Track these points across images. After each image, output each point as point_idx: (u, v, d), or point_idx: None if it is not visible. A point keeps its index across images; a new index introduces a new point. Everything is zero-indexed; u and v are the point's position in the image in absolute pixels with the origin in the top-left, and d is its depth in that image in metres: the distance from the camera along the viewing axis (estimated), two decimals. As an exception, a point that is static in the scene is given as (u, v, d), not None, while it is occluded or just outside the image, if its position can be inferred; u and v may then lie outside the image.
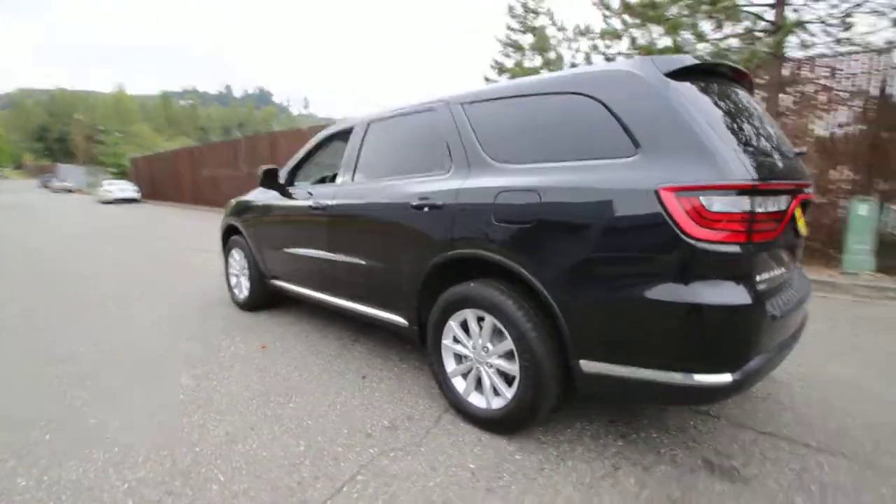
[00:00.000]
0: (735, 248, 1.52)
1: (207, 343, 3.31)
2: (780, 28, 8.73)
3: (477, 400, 2.15)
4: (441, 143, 2.37)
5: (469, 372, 2.19)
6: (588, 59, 10.28)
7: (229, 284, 4.33)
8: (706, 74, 1.82)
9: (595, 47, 10.41)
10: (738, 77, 2.00)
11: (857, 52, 6.45)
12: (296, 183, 3.55)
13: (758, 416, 2.26)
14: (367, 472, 1.84)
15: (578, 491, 1.72)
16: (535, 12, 14.05)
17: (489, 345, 2.07)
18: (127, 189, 22.54)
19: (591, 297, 1.71)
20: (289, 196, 3.44)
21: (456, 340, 2.24)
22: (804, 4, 8.94)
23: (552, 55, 13.41)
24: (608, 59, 10.15)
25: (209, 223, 12.89)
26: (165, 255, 7.32)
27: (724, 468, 1.85)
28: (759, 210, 1.52)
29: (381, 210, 2.54)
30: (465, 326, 2.19)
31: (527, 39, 14.31)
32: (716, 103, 1.74)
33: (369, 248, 2.65)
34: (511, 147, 2.05)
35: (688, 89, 1.69)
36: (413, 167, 2.52)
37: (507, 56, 14.83)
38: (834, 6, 8.93)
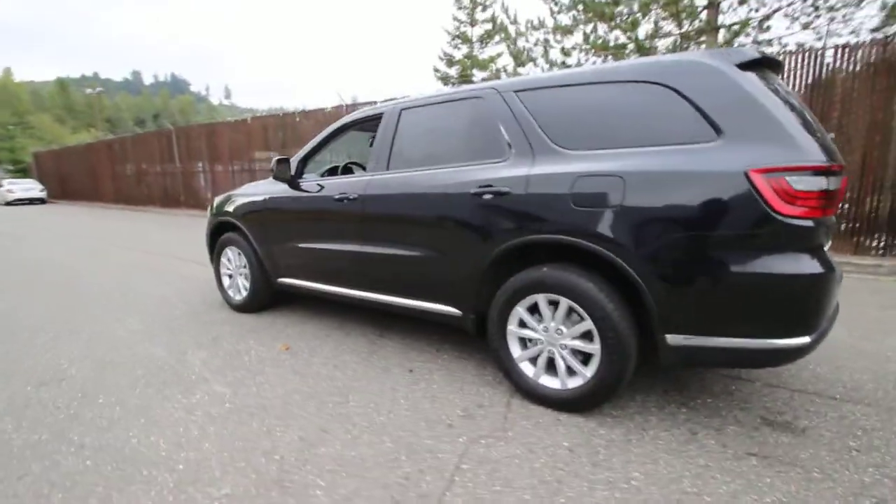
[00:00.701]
0: (811, 223, 1.70)
1: (220, 348, 3.07)
2: (712, 28, 9.59)
3: (549, 382, 2.22)
4: (493, 131, 2.38)
5: (538, 355, 2.25)
6: (546, 53, 10.64)
7: (221, 286, 4.03)
8: (761, 65, 1.99)
9: (547, 41, 10.79)
10: (777, 68, 2.20)
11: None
12: (305, 175, 3.39)
13: (782, 376, 2.54)
14: (469, 460, 1.84)
15: (672, 456, 1.84)
16: (483, 5, 14.25)
17: (562, 327, 2.14)
18: (32, 188, 19.96)
19: (682, 275, 1.83)
20: (300, 188, 3.26)
21: (522, 325, 2.28)
22: (731, 7, 9.89)
23: (502, 47, 13.69)
24: (566, 52, 10.58)
25: (142, 223, 11.82)
26: (124, 259, 6.62)
27: (780, 423, 2.07)
28: (830, 188, 1.71)
29: (432, 199, 2.50)
30: (531, 311, 2.24)
31: (476, 32, 14.49)
32: (776, 92, 1.91)
33: (415, 238, 2.60)
34: (580, 134, 2.12)
35: (756, 80, 1.85)
36: (461, 155, 2.51)
37: (457, 48, 14.92)
38: (755, 10, 9.96)
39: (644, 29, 9.18)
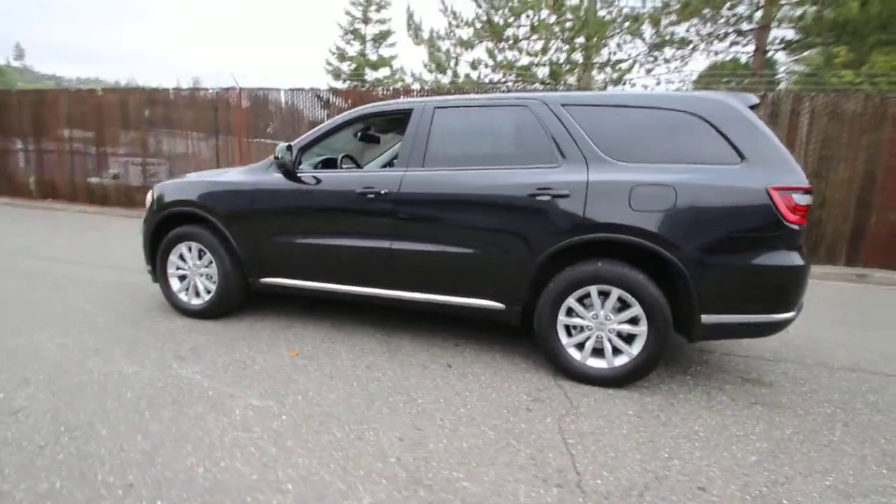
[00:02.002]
0: (801, 228, 2.33)
1: (212, 360, 2.66)
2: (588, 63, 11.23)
3: (595, 363, 2.52)
4: (542, 138, 2.60)
5: (586, 340, 2.54)
6: (454, 62, 11.10)
7: (168, 289, 3.40)
8: (757, 107, 2.59)
9: (448, 52, 11.32)
10: (756, 109, 2.83)
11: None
12: (302, 164, 3.13)
13: (731, 346, 3.28)
14: (570, 435, 2.03)
15: (708, 411, 2.31)
16: (379, 5, 14.18)
17: (611, 314, 2.47)
18: None
19: (717, 267, 2.31)
20: (300, 180, 3.00)
21: (570, 314, 2.54)
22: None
23: (396, 50, 13.85)
24: (474, 66, 11.19)
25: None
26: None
27: (755, 380, 2.72)
28: (809, 203, 2.37)
29: (484, 198, 2.60)
30: (579, 301, 2.52)
31: (370, 31, 14.35)
32: (769, 127, 2.53)
33: (463, 236, 2.66)
34: (626, 148, 2.48)
35: (759, 118, 2.44)
36: (508, 158, 2.68)
37: (349, 44, 14.54)
38: (614, 53, 11.94)
39: (550, 55, 10.40)
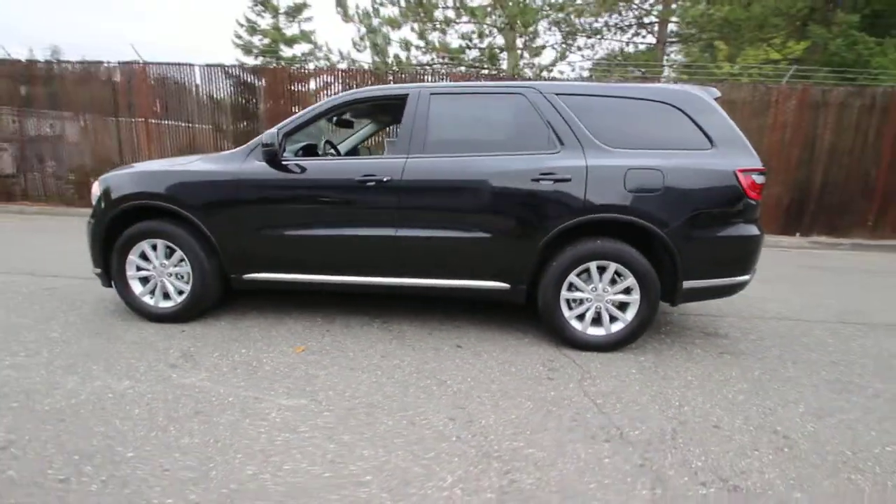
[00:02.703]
0: (756, 204, 2.75)
1: (218, 366, 2.47)
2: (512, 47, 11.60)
3: (594, 331, 2.78)
4: (540, 126, 2.75)
5: (586, 312, 2.78)
6: (379, 44, 10.66)
7: (128, 293, 3.03)
8: (719, 99, 2.96)
9: (383, 33, 10.92)
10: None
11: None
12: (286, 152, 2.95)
13: (686, 308, 3.77)
14: (596, 396, 2.26)
15: (693, 363, 2.68)
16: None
17: (608, 286, 2.73)
18: None
19: (697, 238, 2.65)
20: (286, 169, 2.84)
21: (571, 289, 2.76)
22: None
23: (313, 25, 13.03)
24: (407, 46, 10.91)
25: None
26: None
27: (716, 334, 3.19)
28: (762, 182, 2.80)
29: (490, 184, 2.69)
30: (578, 277, 2.75)
31: (283, 2, 13.29)
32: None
33: (470, 221, 2.73)
34: (617, 135, 2.71)
35: (722, 109, 2.81)
36: (508, 144, 2.79)
37: (260, 15, 13.33)
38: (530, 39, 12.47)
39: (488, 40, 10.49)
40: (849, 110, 7.49)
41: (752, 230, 2.73)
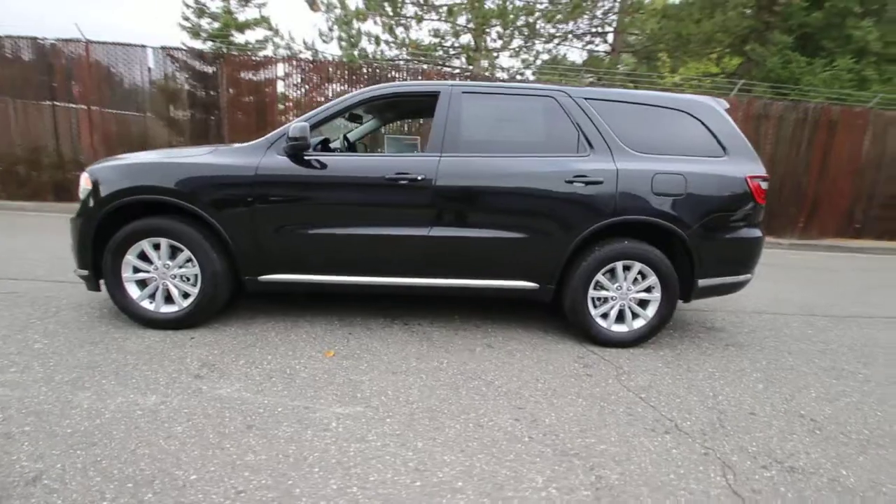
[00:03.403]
0: (762, 207, 2.99)
1: (249, 375, 2.30)
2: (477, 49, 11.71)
3: (618, 328, 2.90)
4: (570, 129, 2.82)
5: (610, 310, 2.88)
6: (351, 36, 10.27)
7: (126, 298, 2.73)
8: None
9: (340, 20, 10.53)
10: None
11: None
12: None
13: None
14: (637, 390, 2.36)
15: (706, 356, 2.87)
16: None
17: (632, 285, 2.85)
18: None
19: (711, 239, 2.83)
20: (309, 164, 2.69)
21: (597, 288, 2.86)
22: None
23: (266, 12, 12.35)
24: (377, 40, 10.58)
25: None
26: None
27: (717, 328, 3.44)
28: (766, 188, 3.04)
29: (526, 185, 2.71)
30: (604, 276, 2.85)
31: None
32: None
33: (505, 221, 2.75)
34: (641, 140, 2.83)
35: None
36: (540, 146, 2.83)
37: (209, -2, 12.40)
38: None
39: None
40: (785, 123, 8.32)
41: (758, 232, 2.97)
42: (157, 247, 2.72)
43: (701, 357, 2.87)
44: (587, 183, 2.73)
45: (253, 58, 8.36)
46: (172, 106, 7.76)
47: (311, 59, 8.07)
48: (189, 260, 2.74)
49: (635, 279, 2.86)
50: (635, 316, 2.91)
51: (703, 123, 2.90)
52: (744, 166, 2.87)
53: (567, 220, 2.76)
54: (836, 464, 1.87)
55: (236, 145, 2.87)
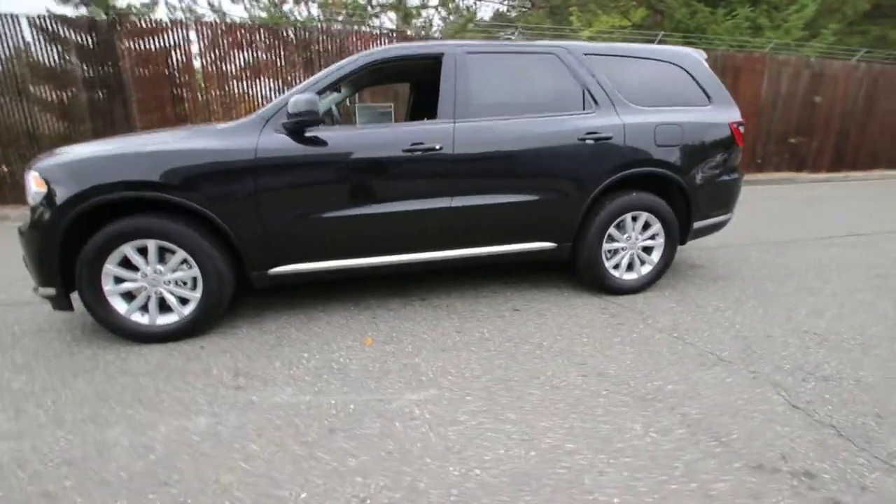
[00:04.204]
0: (740, 150, 3.25)
1: (295, 377, 2.12)
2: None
3: (629, 276, 3.06)
4: (574, 86, 2.82)
5: (621, 260, 3.03)
6: None
7: (112, 314, 2.34)
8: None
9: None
10: None
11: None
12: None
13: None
14: (670, 331, 2.53)
15: (712, 291, 3.15)
16: None
17: (639, 235, 3.01)
18: None
19: (704, 184, 3.04)
20: (313, 142, 2.44)
21: (609, 240, 2.97)
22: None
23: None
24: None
25: None
26: None
27: (703, 265, 3.76)
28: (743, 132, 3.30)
29: (542, 146, 2.69)
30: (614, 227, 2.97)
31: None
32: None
33: (523, 184, 2.71)
34: (638, 93, 2.92)
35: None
36: (548, 105, 2.79)
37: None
38: None
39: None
40: (699, 72, 9.04)
41: (737, 174, 3.25)
42: (142, 251, 2.35)
43: (701, 293, 3.14)
44: (597, 140, 2.77)
45: (158, 23, 7.22)
46: (55, 87, 6.53)
47: (227, 22, 7.15)
48: (184, 261, 2.40)
49: (643, 228, 3.02)
50: (642, 263, 3.09)
51: (689, 74, 3.04)
52: (726, 113, 3.09)
53: (581, 177, 2.80)
54: (853, 368, 2.17)
55: (220, 126, 2.50)
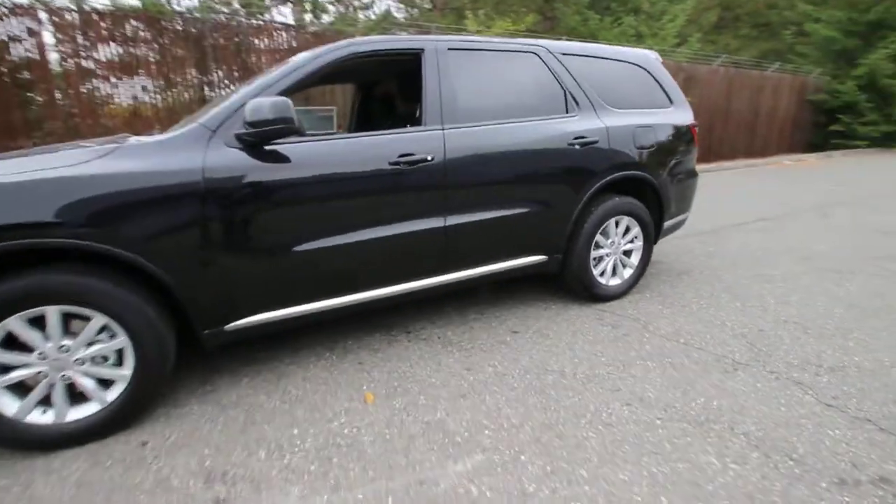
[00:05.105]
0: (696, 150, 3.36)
1: (296, 470, 1.62)
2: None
3: (614, 282, 2.99)
4: (555, 87, 2.65)
5: (606, 267, 2.94)
6: None
7: (-9, 419, 1.60)
8: None
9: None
10: None
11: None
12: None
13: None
14: (674, 337, 2.48)
15: (669, 304, 3.21)
16: None
17: (621, 239, 2.95)
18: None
19: (673, 183, 3.08)
20: (275, 157, 1.92)
21: (596, 247, 2.86)
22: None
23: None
24: None
25: None
26: None
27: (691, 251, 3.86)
28: (692, 132, 3.42)
29: (533, 153, 2.47)
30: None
31: None
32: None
33: (518, 195, 2.47)
34: (612, 95, 2.83)
35: (662, 70, 3.25)
36: (532, 108, 2.58)
37: None
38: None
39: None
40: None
41: (696, 173, 3.36)
42: (36, 321, 1.64)
43: (676, 290, 3.19)
44: (584, 144, 2.63)
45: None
46: None
47: (91, 8, 5.81)
48: (103, 329, 1.73)
49: (624, 232, 2.97)
50: (624, 266, 3.05)
51: (651, 75, 3.06)
52: (686, 115, 3.17)
53: (572, 184, 2.65)
54: (847, 354, 2.30)
55: (148, 139, 1.85)
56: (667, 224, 3.20)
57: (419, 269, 2.33)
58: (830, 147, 14.03)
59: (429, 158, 2.18)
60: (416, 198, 2.21)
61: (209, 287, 1.87)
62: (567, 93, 2.69)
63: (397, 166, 2.13)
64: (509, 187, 2.48)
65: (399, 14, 13.34)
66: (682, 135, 3.12)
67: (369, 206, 2.13)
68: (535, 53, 2.63)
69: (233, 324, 1.98)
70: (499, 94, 2.53)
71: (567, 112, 2.68)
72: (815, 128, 14.61)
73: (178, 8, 8.08)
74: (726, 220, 5.40)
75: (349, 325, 2.68)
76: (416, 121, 2.34)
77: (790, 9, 18.55)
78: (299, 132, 1.87)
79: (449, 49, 2.37)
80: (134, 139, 1.90)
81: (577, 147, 2.61)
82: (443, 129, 2.26)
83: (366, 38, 2.27)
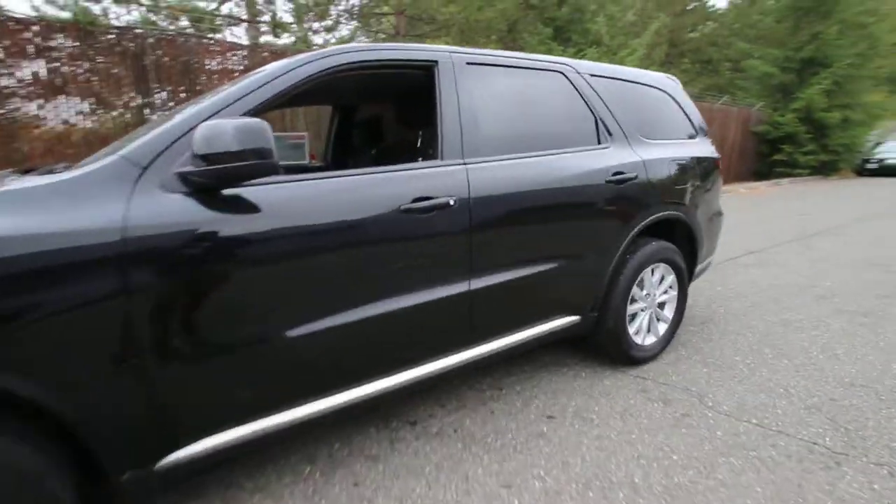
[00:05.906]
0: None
1: None
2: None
3: (649, 341, 2.52)
4: (585, 112, 2.22)
5: (641, 324, 2.48)
6: None
7: None
8: None
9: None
10: None
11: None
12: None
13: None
14: (745, 413, 2.03)
15: (721, 337, 2.81)
16: None
17: (656, 290, 2.51)
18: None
19: (704, 224, 2.70)
20: (238, 206, 1.32)
21: (632, 301, 2.40)
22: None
23: None
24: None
25: None
26: None
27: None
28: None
29: (572, 192, 1.99)
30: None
31: None
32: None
33: (557, 246, 1.97)
34: (642, 124, 2.44)
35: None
36: (562, 138, 2.13)
37: None
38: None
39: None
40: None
41: (722, 211, 3.02)
42: None
43: (710, 346, 2.77)
44: (623, 181, 2.19)
45: None
46: None
47: (4, 17, 4.89)
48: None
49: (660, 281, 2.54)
50: (658, 320, 2.60)
51: (677, 103, 2.72)
52: (710, 147, 2.84)
53: (611, 228, 2.19)
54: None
55: (36, 179, 1.19)
56: (698, 268, 2.81)
57: (437, 347, 1.75)
58: (774, 175, 14.81)
59: (451, 203, 1.64)
60: (434, 256, 1.65)
61: (128, 409, 1.20)
62: (598, 120, 2.25)
63: (410, 213, 1.57)
64: (544, 236, 1.98)
65: (363, 39, 12.97)
66: (711, 170, 2.77)
67: (375, 268, 1.54)
68: (562, 73, 2.19)
69: (168, 458, 1.30)
70: (525, 120, 2.05)
71: (599, 143, 2.24)
72: (759, 157, 15.42)
73: (116, 22, 7.25)
74: (733, 250, 5.17)
75: (329, 424, 2.03)
76: (420, 152, 1.82)
77: (727, 47, 19.96)
78: (276, 170, 1.28)
79: (468, 64, 1.86)
80: (12, 178, 1.24)
81: (614, 184, 2.17)
82: (465, 164, 1.73)
83: (364, 45, 1.75)
